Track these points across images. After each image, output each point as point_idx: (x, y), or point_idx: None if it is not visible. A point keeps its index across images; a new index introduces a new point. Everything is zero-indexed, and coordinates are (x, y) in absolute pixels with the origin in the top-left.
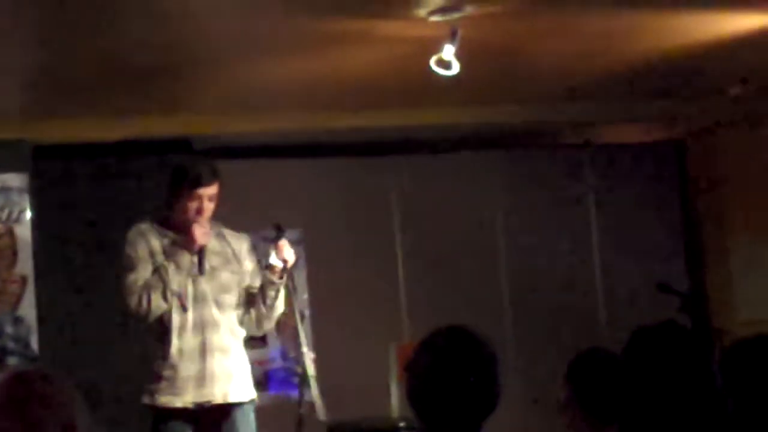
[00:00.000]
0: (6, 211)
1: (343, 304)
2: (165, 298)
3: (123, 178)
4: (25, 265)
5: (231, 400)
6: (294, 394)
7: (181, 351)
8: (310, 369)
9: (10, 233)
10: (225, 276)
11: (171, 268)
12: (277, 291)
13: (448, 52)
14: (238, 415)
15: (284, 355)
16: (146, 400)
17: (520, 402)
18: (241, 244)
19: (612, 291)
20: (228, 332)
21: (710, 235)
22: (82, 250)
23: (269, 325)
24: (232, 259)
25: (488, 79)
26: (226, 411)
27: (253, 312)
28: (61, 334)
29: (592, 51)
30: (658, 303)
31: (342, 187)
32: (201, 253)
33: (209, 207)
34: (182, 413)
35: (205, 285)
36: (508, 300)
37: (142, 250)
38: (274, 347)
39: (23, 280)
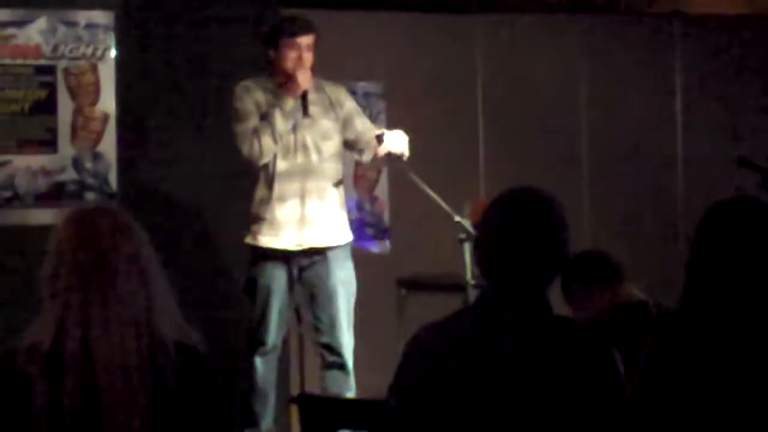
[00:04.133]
0: (91, 48)
1: (421, 161)
2: (274, 139)
3: (209, 22)
4: (108, 102)
5: (327, 243)
6: (367, 245)
7: (282, 195)
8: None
9: (94, 70)
10: (325, 123)
11: (276, 112)
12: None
13: None
14: (333, 257)
15: (359, 207)
16: (248, 239)
17: None
18: (338, 91)
19: (693, 163)
20: (327, 179)
21: None
22: (165, 90)
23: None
24: (329, 108)
25: None
26: (322, 253)
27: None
28: (140, 172)
29: None
30: (739, 178)
31: (424, 43)
32: (304, 96)
33: (308, 56)
34: (281, 255)
35: (307, 133)
36: (587, 166)
37: (249, 103)
38: (349, 197)
39: (105, 117)
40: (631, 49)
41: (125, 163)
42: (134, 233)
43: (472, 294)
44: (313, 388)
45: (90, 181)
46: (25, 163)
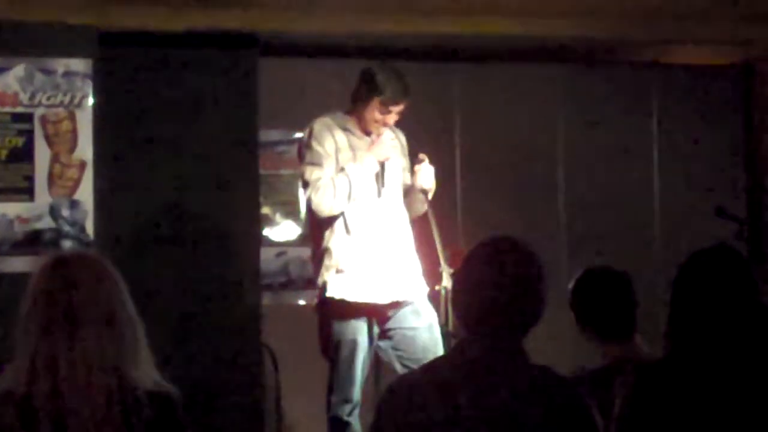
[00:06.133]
0: (69, 96)
1: None
2: (348, 198)
3: (187, 70)
4: (85, 150)
5: (413, 295)
6: None
7: (366, 247)
8: (449, 284)
9: (72, 118)
10: (399, 171)
11: (358, 170)
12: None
13: None
14: (413, 305)
15: None
16: (331, 294)
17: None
18: (403, 138)
19: (669, 211)
20: (404, 226)
21: None
22: (143, 138)
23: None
24: (401, 153)
25: None
26: (402, 303)
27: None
28: (117, 221)
29: None
30: (715, 226)
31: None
32: (386, 163)
33: (395, 119)
34: (365, 307)
35: (387, 188)
36: (564, 215)
37: (328, 145)
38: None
39: (82, 165)
40: (609, 98)
41: (103, 211)
42: (109, 281)
43: (451, 342)
44: None
45: (67, 228)
46: (2, 211)
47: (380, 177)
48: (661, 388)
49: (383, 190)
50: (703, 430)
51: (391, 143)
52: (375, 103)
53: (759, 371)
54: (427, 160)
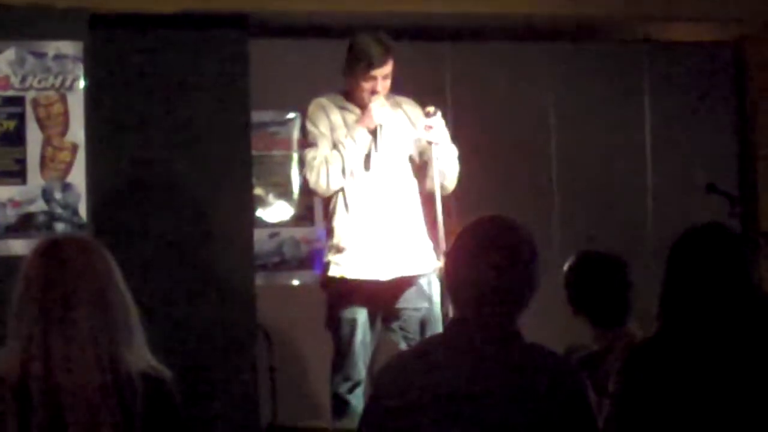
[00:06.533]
0: (60, 79)
1: None
2: (343, 173)
3: (178, 51)
4: (77, 133)
5: (417, 271)
6: None
7: (368, 223)
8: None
9: (63, 100)
10: (402, 145)
11: (349, 143)
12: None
13: None
14: (418, 285)
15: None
16: (333, 272)
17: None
18: (416, 110)
19: (662, 188)
20: (411, 202)
21: (764, 139)
22: (135, 120)
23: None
24: (408, 126)
25: None
26: (407, 282)
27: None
28: (109, 203)
29: None
30: (707, 204)
31: (396, 71)
32: (378, 130)
33: (385, 85)
34: (366, 285)
35: (384, 159)
36: (557, 193)
37: (323, 126)
38: (320, 226)
39: (74, 147)
40: (600, 76)
41: (95, 194)
42: (103, 265)
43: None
44: (285, 418)
45: (59, 211)
46: None
47: (374, 145)
48: (652, 364)
49: (379, 159)
50: (693, 406)
51: (381, 110)
52: (359, 71)
53: (750, 345)
54: (439, 114)
